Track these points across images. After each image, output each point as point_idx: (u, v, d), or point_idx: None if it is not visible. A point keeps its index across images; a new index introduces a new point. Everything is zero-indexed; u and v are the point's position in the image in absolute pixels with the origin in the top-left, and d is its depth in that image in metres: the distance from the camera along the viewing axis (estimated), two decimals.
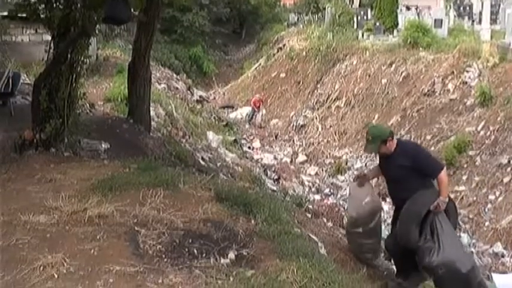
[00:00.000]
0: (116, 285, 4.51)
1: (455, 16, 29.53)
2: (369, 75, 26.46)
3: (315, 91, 29.37)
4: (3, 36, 19.24)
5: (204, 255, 5.30)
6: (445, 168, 7.16)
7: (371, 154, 8.18)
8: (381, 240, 7.88)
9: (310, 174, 21.58)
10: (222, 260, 5.24)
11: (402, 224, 6.98)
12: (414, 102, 22.25)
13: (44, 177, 7.65)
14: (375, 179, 10.03)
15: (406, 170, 6.93)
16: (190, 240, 5.52)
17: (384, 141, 7.00)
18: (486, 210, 15.21)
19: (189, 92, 28.77)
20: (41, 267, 4.68)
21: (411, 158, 6.95)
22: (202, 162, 15.07)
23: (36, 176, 7.72)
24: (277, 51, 36.29)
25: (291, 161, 23.56)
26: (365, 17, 33.36)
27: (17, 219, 5.76)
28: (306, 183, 19.99)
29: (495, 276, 10.31)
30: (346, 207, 10.69)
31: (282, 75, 32.96)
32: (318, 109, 27.74)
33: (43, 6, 9.71)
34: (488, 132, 17.95)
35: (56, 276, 4.59)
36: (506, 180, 15.68)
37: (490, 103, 19.11)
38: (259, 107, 29.79)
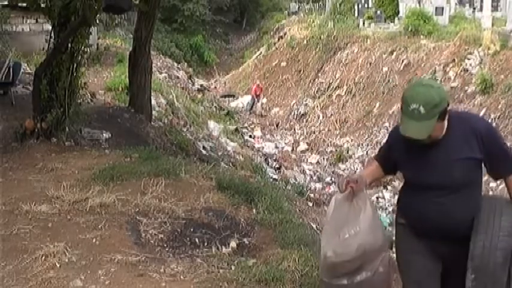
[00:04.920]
0: (118, 275, 4.52)
1: (456, 3, 29.43)
2: (370, 64, 26.44)
3: (316, 80, 29.34)
4: (3, 25, 19.21)
5: (205, 244, 5.31)
6: None
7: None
8: None
9: (311, 163, 21.62)
10: (224, 249, 5.25)
11: (493, 281, 3.62)
12: None
13: (45, 166, 7.65)
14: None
15: (474, 167, 3.61)
16: (191, 230, 5.53)
17: (442, 113, 3.47)
18: None
19: (190, 81, 28.76)
20: (43, 257, 4.69)
21: (485, 143, 3.57)
22: (204, 151, 15.08)
23: (37, 166, 7.72)
24: (278, 40, 36.22)
25: (292, 150, 23.60)
26: (366, 5, 33.24)
27: (19, 208, 5.77)
28: (307, 171, 20.04)
29: None
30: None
31: (283, 64, 32.91)
32: (318, 98, 27.73)
33: None
34: (489, 120, 17.93)
35: (58, 265, 4.60)
36: None
37: (491, 90, 19.10)
38: (259, 95, 29.76)
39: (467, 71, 21.17)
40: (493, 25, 23.86)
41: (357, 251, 3.74)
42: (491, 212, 3.67)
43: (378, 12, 30.52)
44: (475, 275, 3.65)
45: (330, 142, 23.78)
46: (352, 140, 23.08)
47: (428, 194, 3.66)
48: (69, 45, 9.35)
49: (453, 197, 3.62)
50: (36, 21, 20.10)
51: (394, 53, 25.57)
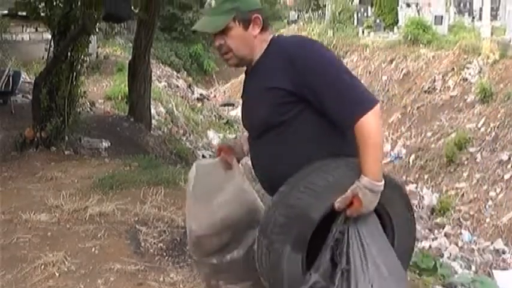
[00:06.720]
0: (117, 284, 4.51)
1: (455, 13, 29.44)
2: (369, 72, 26.45)
3: None
4: (3, 34, 19.25)
5: None
6: (378, 104, 2.53)
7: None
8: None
9: None
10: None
11: (268, 244, 2.54)
12: (415, 99, 22.23)
13: (44, 175, 7.66)
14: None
15: (283, 102, 2.68)
16: None
17: (242, 17, 2.85)
18: (487, 207, 15.21)
19: (189, 90, 28.76)
20: (42, 266, 4.68)
21: (299, 69, 2.63)
22: None
23: (37, 175, 7.73)
24: None
25: None
26: (365, 14, 33.27)
27: (18, 217, 5.77)
28: None
29: (496, 273, 10.31)
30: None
31: None
32: None
33: (43, 4, 9.72)
34: (489, 129, 17.93)
35: (57, 274, 4.59)
36: (506, 177, 15.67)
37: (491, 99, 19.09)
38: None
39: (466, 80, 21.17)
40: (492, 34, 23.87)
41: (222, 222, 3.11)
42: (297, 181, 2.54)
43: (377, 21, 30.55)
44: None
45: None
46: None
47: (250, 138, 3.03)
48: (69, 54, 9.39)
49: (261, 142, 2.85)
50: (36, 30, 20.12)
51: (394, 62, 25.57)
